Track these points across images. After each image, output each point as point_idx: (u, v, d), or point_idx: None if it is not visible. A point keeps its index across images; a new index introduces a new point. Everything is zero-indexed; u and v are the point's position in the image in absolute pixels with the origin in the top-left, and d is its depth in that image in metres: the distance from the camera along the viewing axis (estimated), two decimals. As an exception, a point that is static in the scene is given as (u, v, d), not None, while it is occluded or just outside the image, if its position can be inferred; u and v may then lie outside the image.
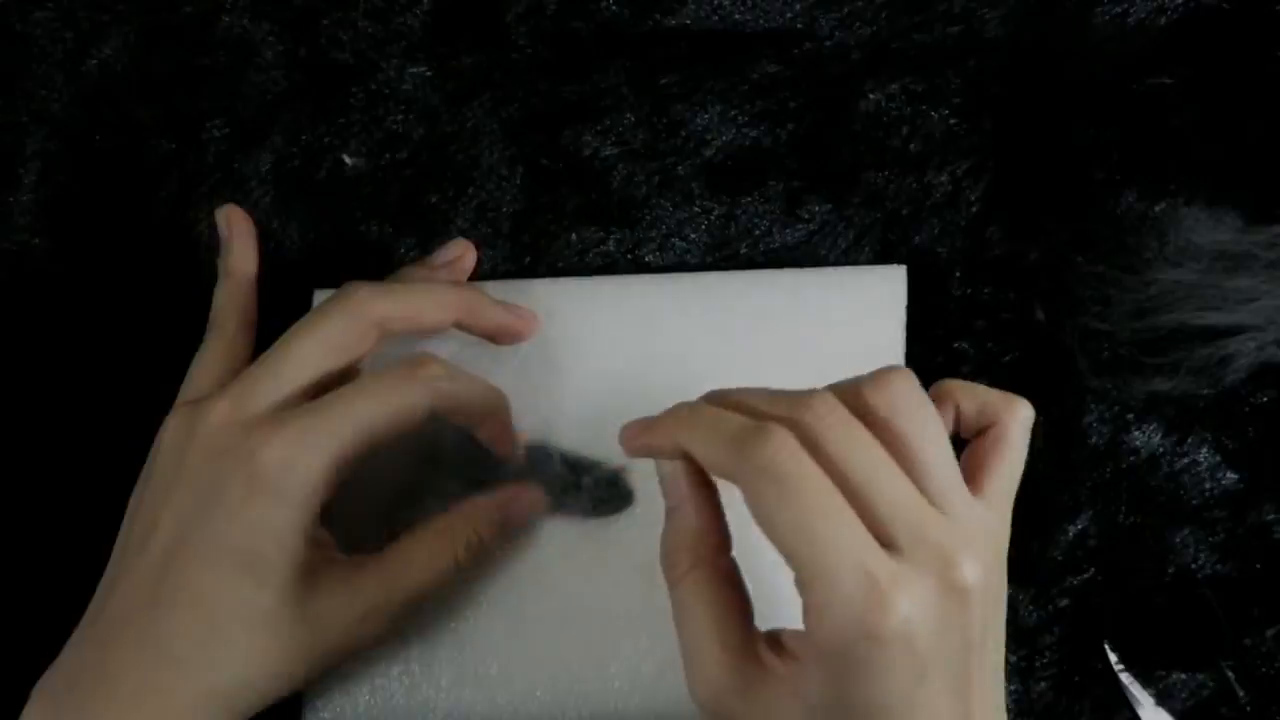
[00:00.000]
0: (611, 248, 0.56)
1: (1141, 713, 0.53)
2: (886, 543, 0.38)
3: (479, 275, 0.56)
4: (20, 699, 0.46)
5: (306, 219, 0.57)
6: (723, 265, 0.56)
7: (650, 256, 0.56)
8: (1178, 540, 0.54)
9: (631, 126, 0.57)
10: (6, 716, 0.46)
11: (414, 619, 0.51)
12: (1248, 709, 0.53)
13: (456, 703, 0.52)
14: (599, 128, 0.57)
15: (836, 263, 0.56)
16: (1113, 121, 0.57)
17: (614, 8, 0.57)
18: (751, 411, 0.40)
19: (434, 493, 0.52)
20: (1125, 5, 0.57)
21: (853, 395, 0.40)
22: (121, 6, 0.58)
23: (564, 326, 0.54)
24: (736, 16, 0.57)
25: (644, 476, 0.53)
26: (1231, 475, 0.55)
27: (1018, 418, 0.43)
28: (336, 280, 0.55)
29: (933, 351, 0.56)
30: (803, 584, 0.38)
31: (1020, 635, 0.54)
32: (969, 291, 0.56)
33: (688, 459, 0.42)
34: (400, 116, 0.57)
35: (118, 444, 0.55)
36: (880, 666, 0.37)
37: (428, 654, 0.52)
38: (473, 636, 0.53)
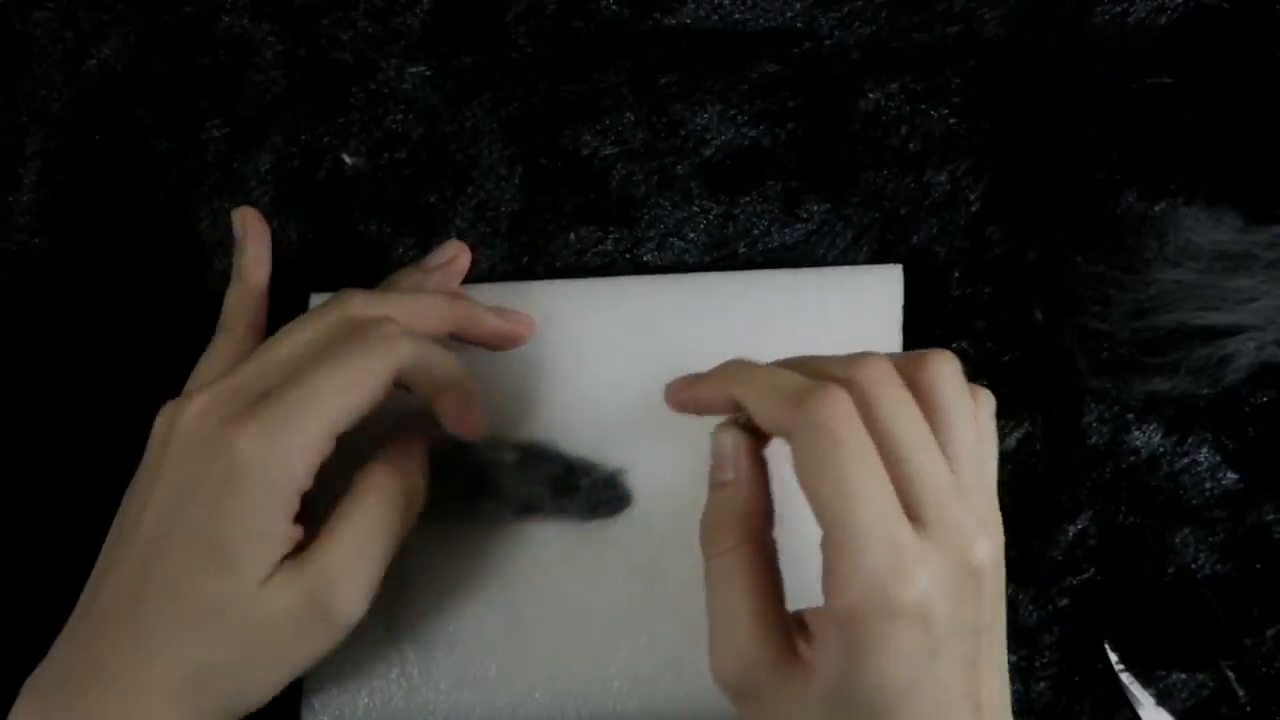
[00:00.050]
0: (610, 247, 0.56)
1: (1141, 713, 0.53)
2: (913, 515, 0.39)
3: (477, 275, 0.56)
4: (11, 695, 0.46)
5: (306, 218, 0.57)
6: (721, 265, 0.56)
7: (649, 256, 0.56)
8: (1178, 540, 0.54)
9: (631, 126, 0.57)
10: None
11: (409, 617, 0.51)
12: (1248, 709, 0.53)
13: (455, 704, 0.52)
14: (598, 127, 0.57)
15: (835, 262, 0.56)
16: (1113, 121, 0.57)
17: (614, 7, 0.57)
18: (809, 371, 0.41)
19: (452, 509, 0.52)
20: (1125, 5, 0.57)
21: (908, 366, 0.41)
22: (121, 6, 0.58)
23: (562, 328, 0.54)
24: (736, 16, 0.57)
25: (642, 478, 0.53)
26: (1231, 475, 0.55)
27: (986, 407, 0.44)
28: (336, 279, 0.56)
29: (932, 351, 0.56)
30: (832, 546, 0.38)
31: (1020, 635, 0.54)
32: (968, 291, 0.56)
33: (746, 431, 0.43)
34: (400, 116, 0.57)
35: (117, 444, 0.55)
36: (895, 641, 0.38)
37: (426, 656, 0.52)
38: (471, 638, 0.53)
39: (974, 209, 0.57)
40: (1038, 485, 0.55)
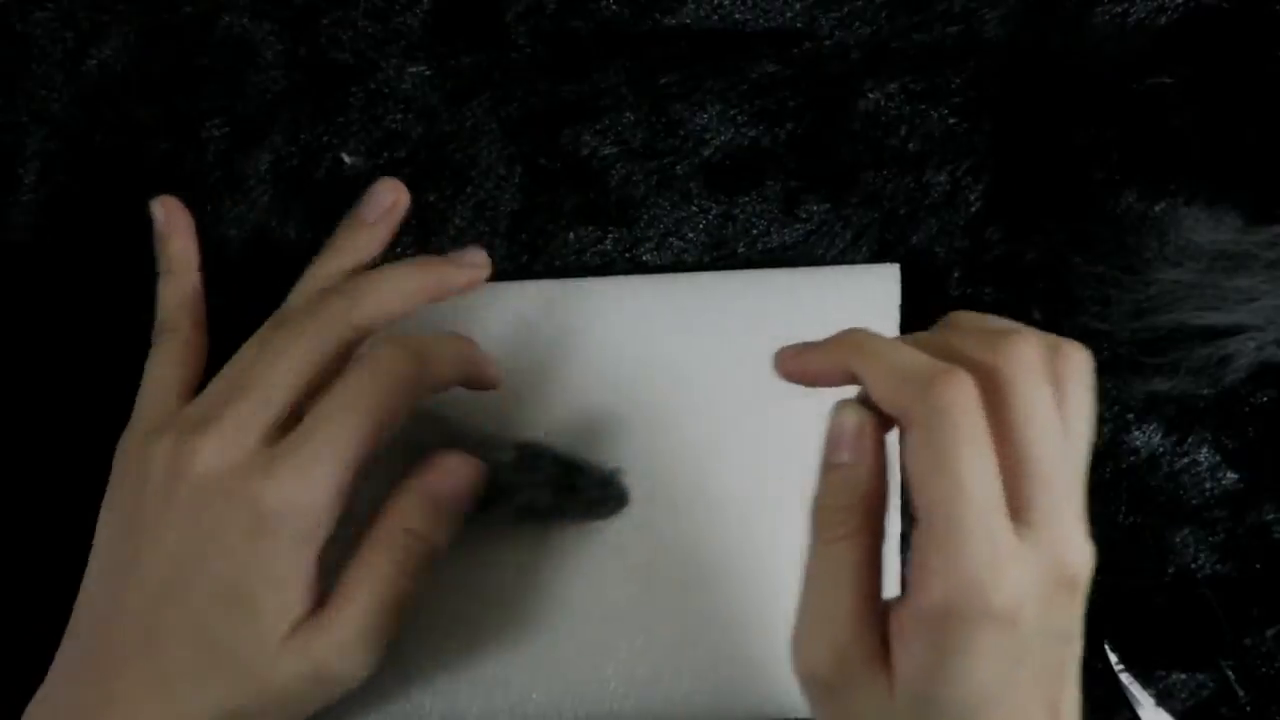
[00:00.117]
0: (609, 247, 0.56)
1: (1141, 713, 0.53)
2: (1019, 514, 0.37)
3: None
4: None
5: (305, 218, 0.57)
6: (720, 265, 0.56)
7: (648, 256, 0.56)
8: (1178, 540, 0.54)
9: (630, 126, 0.57)
10: None
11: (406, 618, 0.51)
12: (1248, 709, 0.53)
13: (452, 705, 0.52)
14: (598, 127, 0.57)
15: (834, 262, 0.56)
16: (1113, 121, 0.57)
17: (613, 7, 0.57)
18: (945, 349, 0.39)
19: None
20: (1125, 5, 0.57)
21: (1049, 350, 0.40)
22: (121, 6, 0.58)
23: (559, 328, 0.54)
24: (736, 16, 0.57)
25: (640, 478, 0.53)
26: (1231, 475, 0.55)
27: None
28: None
29: (932, 351, 0.56)
30: (929, 539, 0.37)
31: (1019, 636, 0.54)
32: (968, 291, 0.56)
33: (869, 410, 0.40)
34: (399, 116, 0.57)
35: (117, 441, 0.56)
36: (981, 642, 0.36)
37: (423, 657, 0.52)
38: (468, 639, 0.52)
39: (974, 209, 0.57)
40: (1037, 485, 0.55)
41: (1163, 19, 0.57)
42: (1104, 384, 0.55)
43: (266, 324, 0.50)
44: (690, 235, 0.56)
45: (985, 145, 0.57)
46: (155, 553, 0.45)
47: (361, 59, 0.57)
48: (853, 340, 0.41)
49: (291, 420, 0.46)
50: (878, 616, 0.39)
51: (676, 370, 0.54)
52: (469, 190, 0.57)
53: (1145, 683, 0.53)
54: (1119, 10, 0.57)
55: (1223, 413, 0.55)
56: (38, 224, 0.57)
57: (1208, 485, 0.55)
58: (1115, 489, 0.55)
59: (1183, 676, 0.53)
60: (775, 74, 0.57)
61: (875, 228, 0.56)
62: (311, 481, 0.44)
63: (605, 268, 0.56)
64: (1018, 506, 0.37)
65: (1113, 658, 0.53)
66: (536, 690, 0.52)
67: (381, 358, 0.46)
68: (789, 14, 0.58)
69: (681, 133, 0.57)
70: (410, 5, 0.57)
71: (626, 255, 0.56)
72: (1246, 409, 0.55)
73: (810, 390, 0.54)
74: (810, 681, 0.40)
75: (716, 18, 0.58)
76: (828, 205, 0.56)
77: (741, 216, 0.57)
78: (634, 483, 0.53)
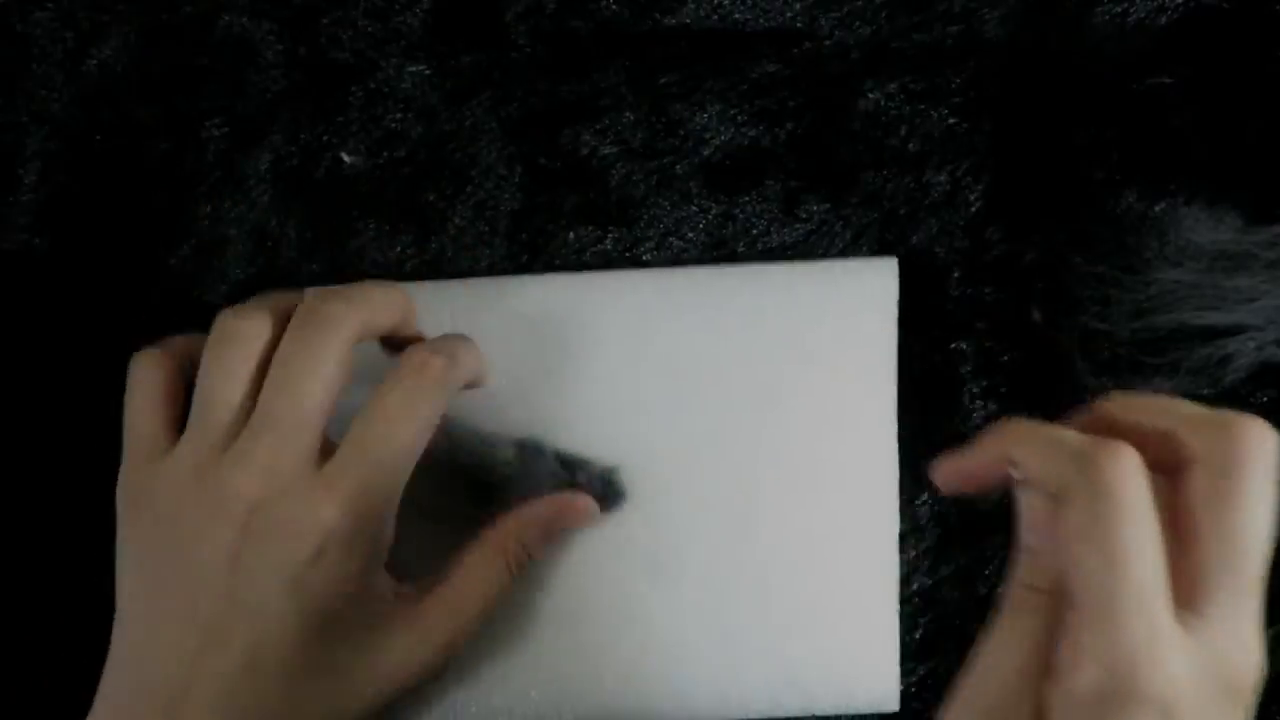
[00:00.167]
0: (609, 247, 0.56)
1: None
2: (1190, 602, 0.36)
3: (475, 274, 0.56)
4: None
5: (304, 217, 0.57)
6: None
7: (648, 256, 0.56)
8: (1178, 540, 0.54)
9: (630, 126, 0.57)
10: None
11: None
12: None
13: (450, 703, 0.52)
14: (598, 127, 0.57)
15: (834, 263, 0.56)
16: (1113, 121, 0.57)
17: (613, 7, 0.57)
18: (1122, 427, 0.38)
19: (449, 507, 0.51)
20: (1125, 5, 0.57)
21: (1221, 431, 0.38)
22: (121, 6, 0.58)
23: (556, 323, 0.54)
24: (736, 16, 0.57)
25: (638, 474, 0.53)
26: (1232, 475, 0.55)
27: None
28: (334, 278, 0.56)
29: (931, 351, 0.56)
30: (1084, 617, 0.36)
31: (1019, 636, 0.54)
32: (968, 291, 0.56)
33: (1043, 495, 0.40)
34: (399, 115, 0.57)
35: (117, 444, 0.55)
36: None
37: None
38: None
39: (974, 209, 0.56)
40: (1037, 485, 0.55)
41: (1163, 19, 0.57)
42: (1104, 384, 0.55)
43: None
44: (690, 235, 0.56)
45: (985, 145, 0.57)
46: (210, 595, 0.44)
47: (361, 59, 0.57)
48: (1009, 427, 0.41)
49: (323, 434, 0.46)
50: (1036, 695, 0.38)
51: (674, 365, 0.54)
52: (469, 190, 0.57)
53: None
54: (1119, 10, 0.57)
55: (1223, 413, 0.55)
56: (38, 224, 0.57)
57: (1208, 485, 0.55)
58: (1115, 489, 0.55)
59: (1183, 676, 0.53)
60: (775, 74, 0.57)
61: (875, 228, 0.56)
62: (373, 496, 0.44)
63: (605, 268, 0.56)
64: (1190, 595, 0.36)
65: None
66: (535, 688, 0.52)
67: (422, 365, 0.46)
68: (789, 14, 0.58)
69: (681, 132, 0.57)
70: (410, 5, 0.57)
71: (626, 255, 0.56)
72: (1246, 409, 0.55)
73: (809, 389, 0.54)
74: None
75: (716, 18, 0.58)
76: (828, 205, 0.56)
77: (741, 216, 0.57)
78: (633, 478, 0.53)
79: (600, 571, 0.53)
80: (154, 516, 0.46)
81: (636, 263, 0.56)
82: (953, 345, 0.56)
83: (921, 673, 0.54)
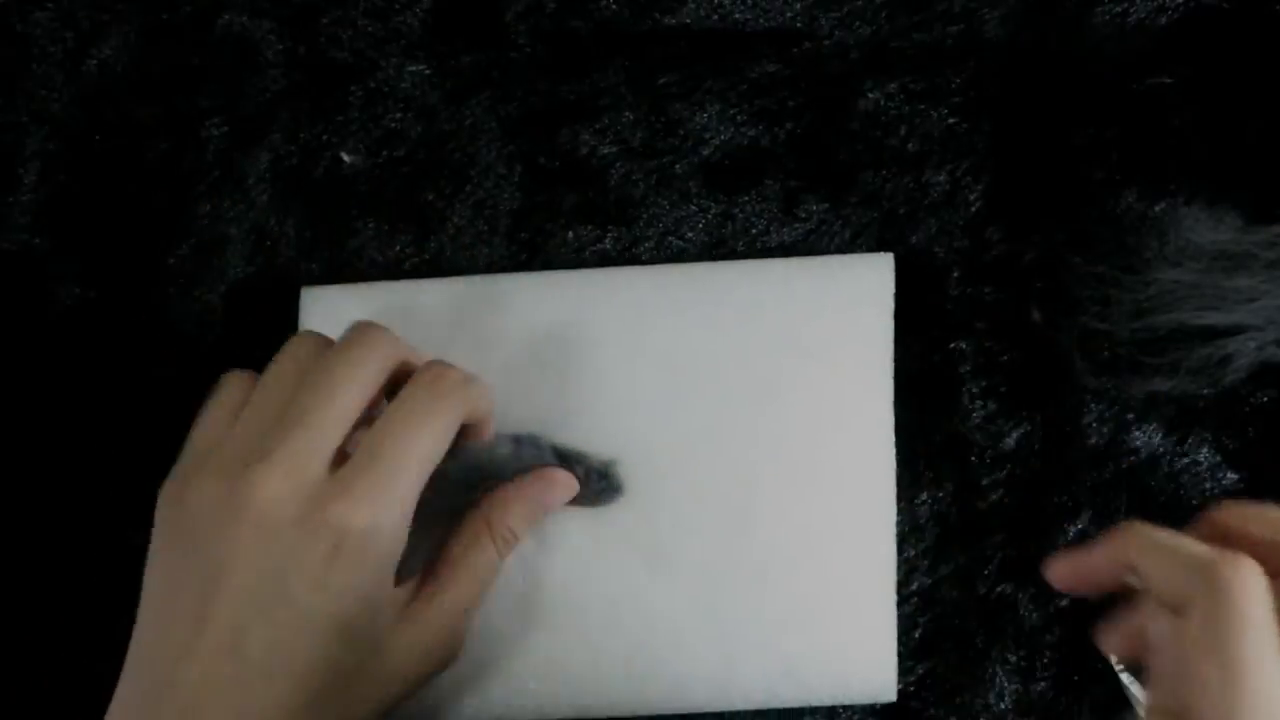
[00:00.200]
0: (608, 246, 0.56)
1: (1142, 713, 0.53)
2: None
3: (474, 273, 0.56)
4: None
5: (304, 217, 0.57)
6: (719, 264, 0.56)
7: (647, 255, 0.56)
8: (1178, 540, 0.54)
9: (630, 125, 0.57)
10: None
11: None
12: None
13: (448, 693, 0.52)
14: (597, 126, 0.57)
15: (833, 262, 0.56)
16: (1113, 121, 0.57)
17: (613, 7, 0.57)
18: (1224, 536, 0.38)
19: (448, 505, 0.51)
20: (1125, 5, 0.57)
21: None
22: (121, 6, 0.58)
23: (553, 318, 0.54)
24: (736, 16, 0.57)
25: (635, 468, 0.53)
26: (1231, 475, 0.55)
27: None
28: (333, 277, 0.56)
29: (930, 351, 0.55)
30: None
31: (1020, 635, 0.54)
32: (967, 291, 0.56)
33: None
34: (398, 115, 0.57)
35: (117, 444, 0.55)
36: None
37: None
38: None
39: (973, 209, 0.56)
40: (1038, 485, 0.55)
41: (1163, 19, 0.57)
42: (1104, 384, 0.55)
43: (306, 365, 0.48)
44: (689, 235, 0.56)
45: (985, 145, 0.57)
46: (227, 591, 0.44)
47: (361, 58, 0.57)
48: (1129, 532, 0.41)
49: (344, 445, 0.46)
50: None
51: (672, 360, 0.54)
52: (468, 189, 0.57)
53: (1145, 683, 0.53)
54: (1119, 10, 0.57)
55: (1223, 413, 0.55)
56: (38, 224, 0.57)
57: (1208, 485, 0.55)
58: (1115, 489, 0.55)
59: (1183, 676, 0.53)
60: (775, 74, 0.57)
61: (874, 227, 0.56)
62: (383, 507, 0.44)
63: (604, 266, 0.56)
64: None
65: (1113, 658, 0.53)
66: (533, 680, 0.52)
67: (438, 376, 0.47)
68: (789, 14, 0.58)
69: (681, 132, 0.57)
70: (410, 5, 0.57)
71: (625, 254, 0.56)
72: (1246, 409, 0.55)
73: (806, 383, 0.54)
74: None
75: (716, 17, 0.58)
76: (827, 205, 0.56)
77: (741, 216, 0.56)
78: (630, 472, 0.53)
79: (598, 564, 0.53)
80: (180, 521, 0.46)
81: (635, 262, 0.56)
82: (952, 345, 0.56)
83: (921, 672, 0.54)
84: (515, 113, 0.57)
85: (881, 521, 0.53)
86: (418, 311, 0.54)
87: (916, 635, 0.54)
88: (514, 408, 0.53)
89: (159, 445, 0.55)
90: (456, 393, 0.47)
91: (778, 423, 0.53)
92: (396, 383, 0.48)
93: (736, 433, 0.53)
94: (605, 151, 0.57)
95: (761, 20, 0.58)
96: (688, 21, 0.58)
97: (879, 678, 0.53)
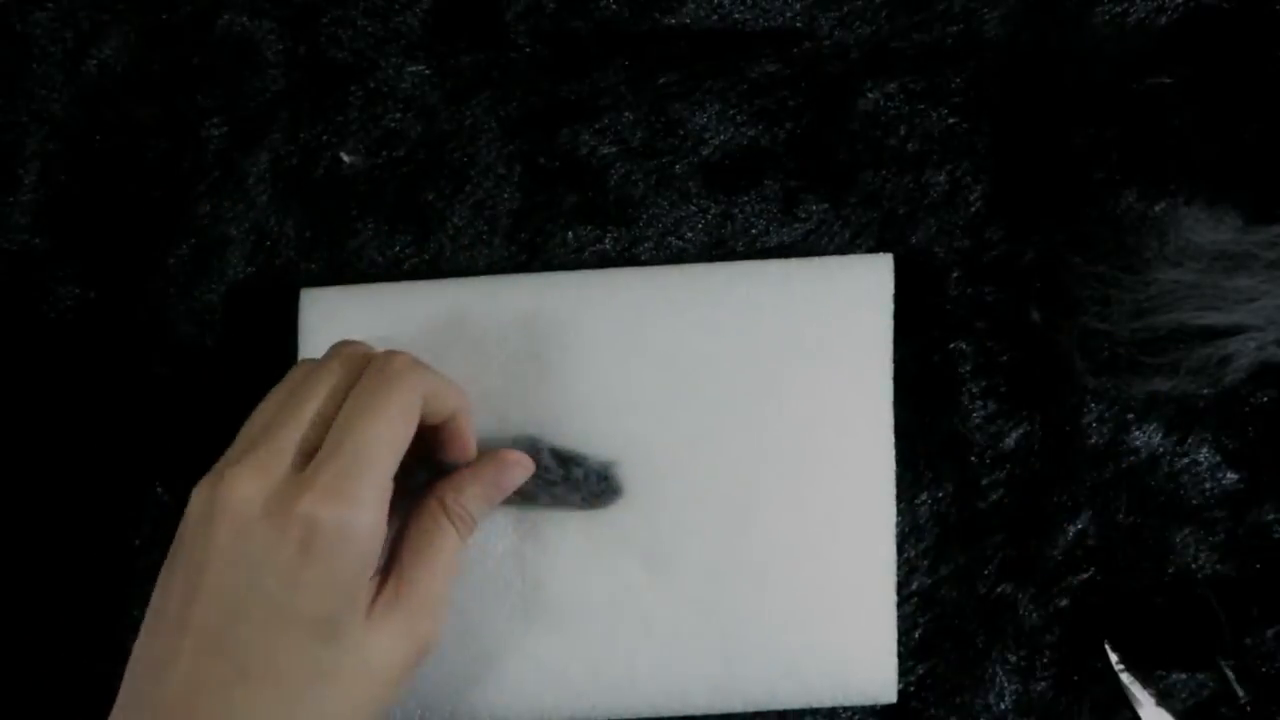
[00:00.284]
0: (608, 246, 0.56)
1: (1141, 713, 0.53)
2: None
3: (474, 273, 0.56)
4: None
5: (304, 217, 0.57)
6: (719, 264, 0.56)
7: (646, 255, 0.56)
8: (1178, 540, 0.54)
9: (630, 125, 0.57)
10: None
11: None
12: (1248, 709, 0.53)
13: (448, 695, 0.52)
14: (597, 126, 0.57)
15: (833, 263, 0.56)
16: (1113, 121, 0.57)
17: (613, 7, 0.57)
18: None
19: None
20: (1125, 5, 0.57)
21: None
22: (121, 6, 0.58)
23: (552, 320, 0.54)
24: (736, 16, 0.57)
25: (634, 469, 0.53)
26: (1231, 475, 0.55)
27: None
28: (332, 277, 0.56)
29: (930, 351, 0.55)
30: None
31: (1020, 635, 0.54)
32: (968, 291, 0.56)
33: None
34: (398, 115, 0.57)
35: (117, 444, 0.55)
36: None
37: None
38: (467, 630, 0.53)
39: (973, 209, 0.56)
40: (1038, 485, 0.55)
41: (1163, 19, 0.57)
42: (1104, 384, 0.55)
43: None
44: (689, 235, 0.56)
45: (985, 145, 0.57)
46: (205, 592, 0.44)
47: (361, 58, 0.57)
48: None
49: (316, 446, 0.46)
50: None
51: (671, 361, 0.54)
52: (468, 189, 0.57)
53: (1145, 683, 0.53)
54: (1119, 10, 0.57)
55: (1223, 413, 0.55)
56: (38, 224, 0.57)
57: (1208, 485, 0.55)
58: (1115, 489, 0.55)
59: (1183, 676, 0.53)
60: (775, 74, 0.57)
61: (874, 227, 0.56)
62: (350, 495, 0.44)
63: (603, 267, 0.56)
64: None
65: (1113, 658, 0.53)
66: (533, 681, 0.52)
67: (385, 362, 0.47)
68: (789, 14, 0.58)
69: (681, 132, 0.57)
70: (410, 5, 0.57)
71: (625, 254, 0.56)
72: (1246, 409, 0.55)
73: (805, 383, 0.54)
74: None
75: (716, 18, 0.58)
76: (827, 205, 0.56)
77: (740, 216, 0.56)
78: (630, 473, 0.53)
79: (598, 565, 0.53)
80: (177, 531, 0.46)
81: (635, 262, 0.56)
82: (952, 345, 0.56)
83: (921, 672, 0.54)
84: (515, 113, 0.57)
85: (881, 521, 0.53)
86: (417, 313, 0.54)
87: (916, 635, 0.54)
88: (514, 409, 0.53)
89: (159, 445, 0.55)
90: (404, 376, 0.47)
91: (777, 423, 0.53)
92: None
93: (736, 434, 0.53)
94: (605, 151, 0.57)
95: (761, 20, 0.58)
96: (688, 21, 0.58)
97: (879, 678, 0.53)
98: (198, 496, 0.45)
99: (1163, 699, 0.53)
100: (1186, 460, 0.55)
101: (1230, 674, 0.53)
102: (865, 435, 0.53)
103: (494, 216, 0.56)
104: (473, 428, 0.50)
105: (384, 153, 0.57)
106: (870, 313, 0.54)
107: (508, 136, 0.57)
